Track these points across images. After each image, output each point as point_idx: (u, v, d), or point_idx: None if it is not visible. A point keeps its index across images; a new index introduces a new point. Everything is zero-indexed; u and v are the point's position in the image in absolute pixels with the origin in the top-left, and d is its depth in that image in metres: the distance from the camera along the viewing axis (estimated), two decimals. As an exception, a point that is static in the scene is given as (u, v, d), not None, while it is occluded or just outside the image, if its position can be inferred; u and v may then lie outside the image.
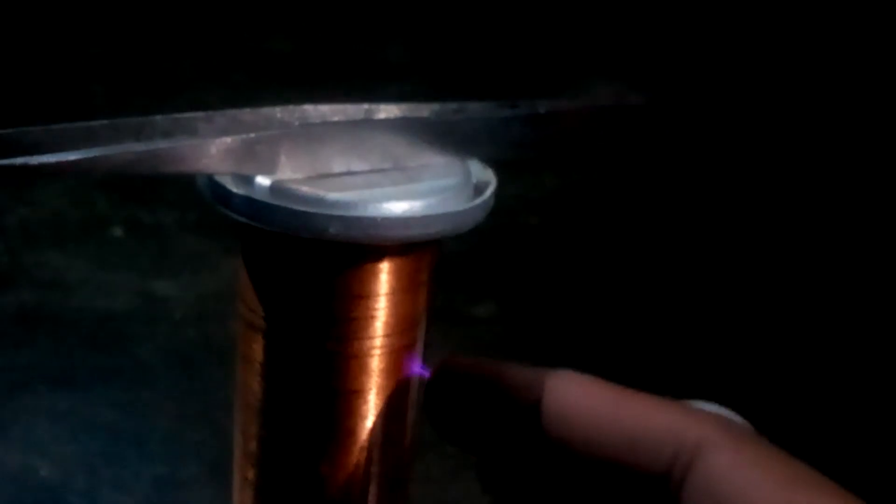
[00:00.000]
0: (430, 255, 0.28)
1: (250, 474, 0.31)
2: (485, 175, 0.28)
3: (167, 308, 0.78)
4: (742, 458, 0.24)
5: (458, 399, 0.29)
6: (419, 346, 0.30)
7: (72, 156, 0.21)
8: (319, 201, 0.24)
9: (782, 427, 0.26)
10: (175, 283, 0.82)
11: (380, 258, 0.26)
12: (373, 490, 0.30)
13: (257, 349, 0.29)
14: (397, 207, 0.24)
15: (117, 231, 0.90)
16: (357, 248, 0.25)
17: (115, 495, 0.58)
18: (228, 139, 0.23)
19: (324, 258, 0.26)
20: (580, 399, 0.26)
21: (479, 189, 0.27)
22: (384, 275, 0.26)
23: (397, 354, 0.28)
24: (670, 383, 0.28)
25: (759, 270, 0.95)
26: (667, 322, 0.83)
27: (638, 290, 0.89)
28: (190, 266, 0.85)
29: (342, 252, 0.25)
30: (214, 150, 0.23)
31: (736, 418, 0.26)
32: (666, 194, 1.07)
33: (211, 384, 0.69)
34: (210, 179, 0.25)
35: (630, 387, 0.27)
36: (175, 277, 0.82)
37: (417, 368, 0.30)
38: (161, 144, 0.23)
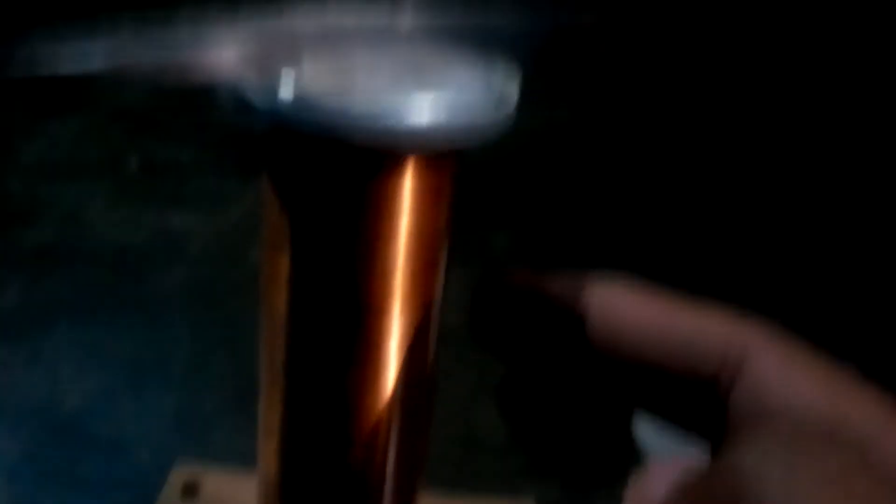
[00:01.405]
0: (452, 167, 0.28)
1: (277, 393, 0.31)
2: (508, 87, 0.27)
3: (185, 242, 0.79)
4: (789, 362, 0.24)
5: (504, 307, 0.29)
6: (442, 263, 0.30)
7: (97, 64, 0.21)
8: (344, 109, 0.24)
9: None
10: (192, 217, 0.82)
11: (403, 169, 0.26)
12: (397, 405, 0.30)
13: (282, 267, 0.29)
14: (422, 116, 0.24)
15: (133, 166, 0.90)
16: (381, 158, 0.25)
17: (138, 425, 0.59)
18: (252, 46, 0.23)
19: (348, 169, 0.26)
20: (629, 305, 0.27)
21: (502, 100, 0.27)
22: (408, 187, 0.26)
23: (421, 268, 0.28)
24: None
25: (767, 187, 0.95)
26: (682, 249, 0.83)
27: (653, 219, 0.89)
28: (207, 200, 0.85)
29: (366, 163, 0.25)
30: (238, 57, 0.23)
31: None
32: (677, 124, 1.06)
33: (231, 316, 0.70)
34: (233, 89, 0.25)
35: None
36: (192, 212, 0.83)
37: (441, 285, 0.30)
38: (185, 52, 0.22)
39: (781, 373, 0.24)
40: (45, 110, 0.98)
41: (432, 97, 0.25)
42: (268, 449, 0.33)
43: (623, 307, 0.27)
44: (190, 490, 0.51)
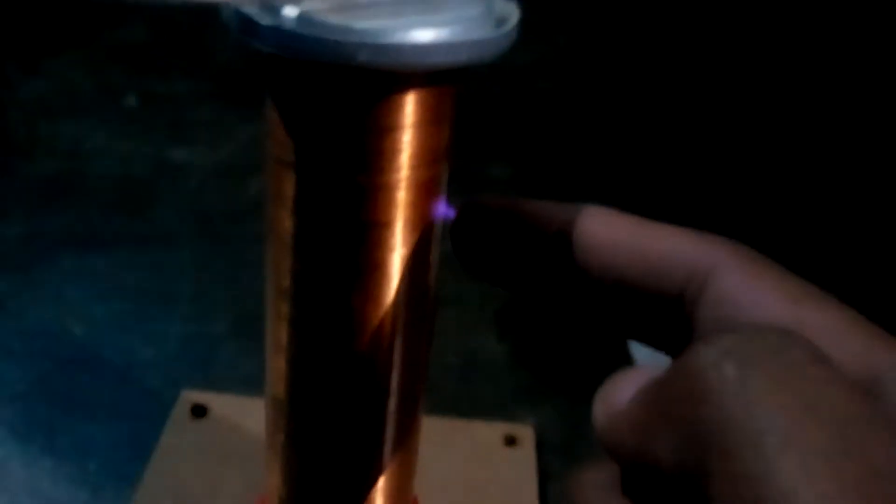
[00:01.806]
0: (453, 88, 0.28)
1: (284, 309, 0.32)
2: (507, 9, 0.28)
3: (185, 174, 0.79)
4: (752, 277, 0.25)
5: (486, 232, 0.30)
6: (443, 183, 0.30)
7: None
8: (347, 29, 0.24)
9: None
10: (191, 150, 0.82)
11: (406, 88, 0.27)
12: (401, 321, 0.32)
13: (288, 185, 0.29)
14: (424, 35, 0.25)
15: (132, 101, 0.90)
16: (385, 77, 0.26)
17: (147, 350, 0.60)
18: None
19: (352, 89, 0.26)
20: (603, 228, 0.28)
21: (501, 21, 0.27)
22: (410, 106, 0.27)
23: (422, 188, 0.29)
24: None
25: (766, 119, 0.96)
26: (678, 182, 0.84)
27: (649, 151, 0.90)
28: (205, 134, 0.85)
29: (370, 82, 0.26)
30: None
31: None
32: (677, 53, 1.06)
33: (232, 245, 0.71)
34: (237, 11, 0.25)
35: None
36: (191, 145, 0.83)
37: (442, 206, 0.31)
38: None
39: (745, 287, 0.25)
40: (41, 48, 0.97)
41: (434, 17, 0.25)
42: (275, 366, 0.34)
43: (597, 229, 0.28)
44: (199, 412, 0.52)
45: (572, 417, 0.56)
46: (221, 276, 0.67)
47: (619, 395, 0.23)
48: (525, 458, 0.50)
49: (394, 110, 0.27)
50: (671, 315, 0.27)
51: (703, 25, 1.10)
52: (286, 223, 0.30)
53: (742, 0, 1.13)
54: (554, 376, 0.58)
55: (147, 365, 0.58)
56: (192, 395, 0.53)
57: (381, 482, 0.36)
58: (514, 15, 0.28)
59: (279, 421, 0.35)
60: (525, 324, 0.61)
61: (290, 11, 0.25)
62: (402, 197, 0.29)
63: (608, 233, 0.28)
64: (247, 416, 0.52)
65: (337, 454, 0.35)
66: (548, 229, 0.29)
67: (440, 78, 0.27)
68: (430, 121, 0.28)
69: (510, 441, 0.51)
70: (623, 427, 0.23)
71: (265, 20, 0.25)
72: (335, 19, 0.24)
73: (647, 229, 0.27)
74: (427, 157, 0.29)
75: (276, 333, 0.33)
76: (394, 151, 0.28)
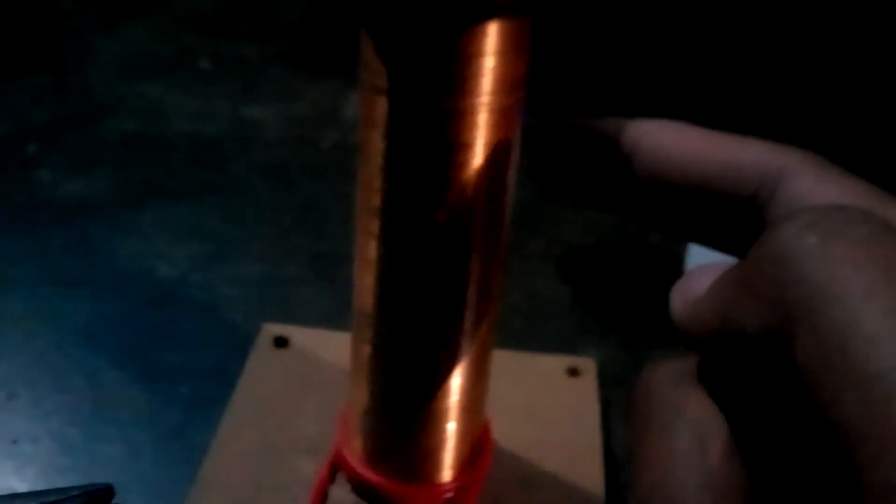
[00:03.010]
0: (529, 21, 0.31)
1: (373, 226, 0.35)
2: None
3: (258, 130, 0.83)
4: (824, 179, 0.27)
5: (560, 147, 0.32)
6: (519, 106, 0.33)
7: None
8: None
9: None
10: (264, 108, 0.86)
11: (490, 17, 0.30)
12: (479, 236, 0.35)
13: (380, 110, 0.32)
14: None
15: (205, 64, 0.93)
16: (471, 7, 0.29)
17: (227, 289, 0.64)
18: None
19: (441, 18, 0.29)
20: (675, 136, 0.29)
21: None
22: (493, 34, 0.30)
23: (502, 112, 0.32)
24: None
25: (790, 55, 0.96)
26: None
27: (698, 85, 0.91)
28: (276, 93, 0.88)
29: (457, 11, 0.29)
30: None
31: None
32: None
33: (305, 195, 0.74)
34: None
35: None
36: (263, 103, 0.86)
37: (525, 116, 0.33)
38: None
39: (817, 186, 0.26)
40: (116, 15, 1.02)
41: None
42: (364, 281, 0.37)
43: (670, 138, 0.30)
44: (280, 343, 0.56)
45: (632, 353, 0.58)
46: (294, 222, 0.70)
47: (696, 284, 0.25)
48: (587, 387, 0.53)
49: (478, 38, 0.30)
50: (742, 217, 0.28)
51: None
52: (377, 145, 0.33)
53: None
54: (614, 316, 0.61)
55: (229, 302, 0.62)
56: (273, 328, 0.57)
57: (458, 395, 0.39)
58: None
59: (365, 333, 0.38)
60: (586, 268, 0.64)
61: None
62: (483, 120, 0.32)
63: (680, 140, 0.29)
64: (325, 347, 0.55)
65: (418, 365, 0.38)
66: (621, 143, 0.30)
67: (520, 8, 0.30)
68: (510, 49, 0.31)
69: (573, 372, 0.54)
70: (704, 308, 0.24)
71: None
72: None
73: (717, 137, 0.29)
74: (507, 83, 0.32)
75: (365, 249, 0.36)
76: (477, 77, 0.31)
